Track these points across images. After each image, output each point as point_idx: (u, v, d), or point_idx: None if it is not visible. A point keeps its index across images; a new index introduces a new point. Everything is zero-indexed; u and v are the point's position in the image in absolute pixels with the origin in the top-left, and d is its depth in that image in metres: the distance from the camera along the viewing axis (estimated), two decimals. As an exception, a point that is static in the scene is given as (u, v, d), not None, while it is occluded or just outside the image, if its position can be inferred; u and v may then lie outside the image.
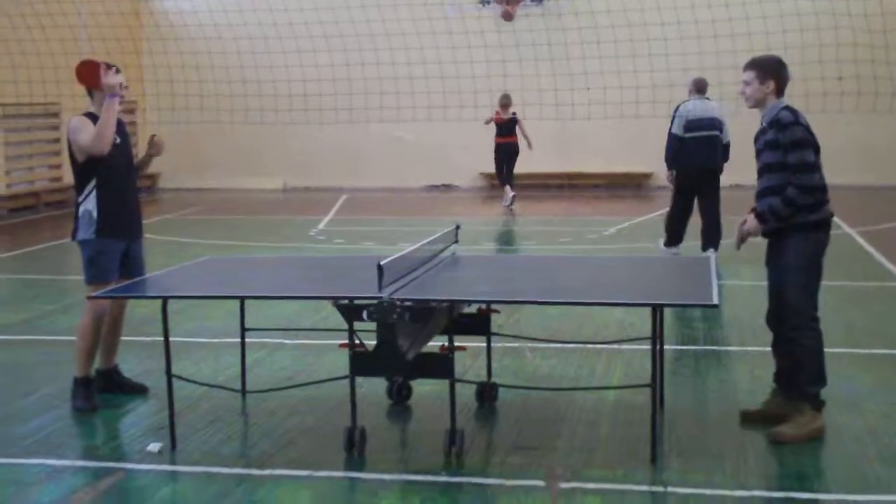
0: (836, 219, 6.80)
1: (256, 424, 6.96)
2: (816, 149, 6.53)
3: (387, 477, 5.91)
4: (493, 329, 7.38)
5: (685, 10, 22.70)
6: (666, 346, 7.69)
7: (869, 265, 13.14)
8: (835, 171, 6.63)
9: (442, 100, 23.64)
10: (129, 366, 7.99)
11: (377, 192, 25.08)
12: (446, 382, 6.19)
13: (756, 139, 6.77)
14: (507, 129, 20.50)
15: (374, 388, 7.19)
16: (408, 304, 5.95)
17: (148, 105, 25.62)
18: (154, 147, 7.68)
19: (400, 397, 7.27)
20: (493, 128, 20.71)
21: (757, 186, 6.69)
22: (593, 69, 23.22)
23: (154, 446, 6.42)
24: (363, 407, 6.47)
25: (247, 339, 7.67)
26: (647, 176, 24.59)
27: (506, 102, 20.52)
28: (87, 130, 7.28)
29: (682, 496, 5.62)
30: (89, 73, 7.38)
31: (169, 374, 6.44)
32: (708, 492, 5.66)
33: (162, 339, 6.45)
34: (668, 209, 14.13)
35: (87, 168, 7.38)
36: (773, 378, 6.86)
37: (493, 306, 7.21)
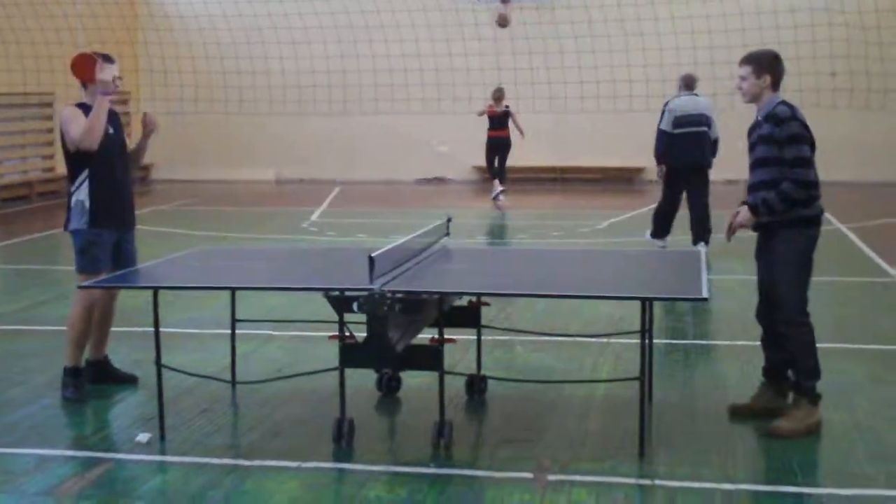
0: (827, 215, 6.83)
1: (246, 415, 6.98)
2: (812, 144, 6.55)
3: (375, 468, 5.93)
4: (484, 322, 7.39)
5: (679, 5, 22.76)
6: (655, 340, 7.71)
7: (859, 261, 13.18)
8: (826, 167, 6.64)
9: (436, 92, 23.69)
10: (120, 356, 8.00)
11: (370, 185, 25.07)
12: (436, 375, 6.21)
13: (750, 133, 6.78)
14: (499, 122, 20.47)
15: (363, 379, 7.20)
16: (398, 296, 5.97)
17: (142, 95, 25.62)
18: (147, 125, 7.65)
19: (389, 389, 7.29)
20: (485, 121, 20.69)
21: (749, 180, 6.70)
22: (587, 63, 23.29)
23: (143, 436, 6.43)
24: (352, 398, 6.48)
25: (238, 331, 7.68)
26: (640, 170, 24.61)
27: (499, 95, 20.49)
28: (78, 123, 7.27)
29: (670, 489, 5.64)
30: (84, 67, 7.36)
31: (159, 365, 6.45)
32: (695, 485, 5.68)
33: (152, 329, 6.46)
34: (657, 203, 14.19)
35: (80, 158, 7.37)
36: (762, 372, 6.89)
37: (484, 299, 7.22)
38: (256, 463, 6.02)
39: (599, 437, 6.47)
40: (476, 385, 7.24)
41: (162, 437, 6.42)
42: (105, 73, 7.30)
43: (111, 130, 7.41)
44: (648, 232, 14.02)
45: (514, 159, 21.26)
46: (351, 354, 6.25)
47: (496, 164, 20.66)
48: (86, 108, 7.36)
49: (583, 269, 7.52)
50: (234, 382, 7.46)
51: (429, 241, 7.48)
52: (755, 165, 6.65)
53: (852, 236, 15.10)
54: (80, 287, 7.14)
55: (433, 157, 25.85)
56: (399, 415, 7.10)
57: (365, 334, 6.15)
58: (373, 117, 24.97)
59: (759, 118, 6.67)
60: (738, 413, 6.82)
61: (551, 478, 5.77)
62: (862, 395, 7.31)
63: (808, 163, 6.46)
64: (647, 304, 6.19)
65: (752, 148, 6.72)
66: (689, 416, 6.93)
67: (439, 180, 26.02)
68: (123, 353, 8.19)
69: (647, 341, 6.26)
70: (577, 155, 25.47)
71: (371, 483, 5.73)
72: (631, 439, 6.18)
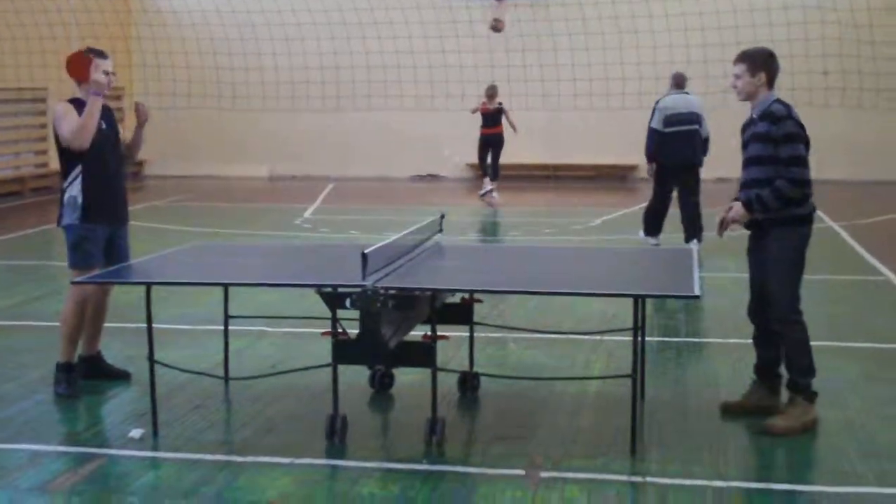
0: (819, 213, 6.85)
1: (239, 411, 6.99)
2: (807, 143, 6.56)
3: (367, 465, 5.94)
4: (476, 319, 7.40)
5: (673, 2, 22.79)
6: (648, 338, 7.70)
7: (852, 259, 13.21)
8: (818, 165, 6.66)
9: (429, 89, 23.69)
10: (113, 352, 8.00)
11: (363, 181, 25.07)
12: (428, 371, 6.22)
13: (743, 130, 6.79)
14: (492, 119, 20.50)
15: (356, 376, 7.21)
16: (391, 292, 5.98)
17: (135, 91, 25.58)
18: (140, 114, 7.63)
19: (382, 386, 7.30)
20: (479, 118, 20.71)
21: (742, 177, 6.71)
22: (580, 60, 23.31)
23: (136, 432, 6.43)
24: (345, 395, 6.49)
25: (231, 327, 7.69)
26: (633, 167, 24.63)
27: (492, 93, 20.51)
28: (70, 122, 7.26)
29: (661, 486, 5.65)
30: (79, 67, 7.34)
31: (151, 361, 6.45)
32: (687, 482, 5.70)
33: (145, 325, 6.46)
34: (648, 202, 14.22)
35: (73, 154, 7.36)
36: (754, 370, 6.91)
37: (477, 296, 7.23)
38: (249, 459, 6.03)
39: (591, 435, 6.48)
40: (469, 382, 7.25)
41: (155, 433, 6.42)
42: (99, 73, 7.29)
43: (104, 126, 7.40)
44: (641, 231, 14.06)
45: (508, 156, 21.28)
46: (344, 351, 6.25)
47: (489, 161, 20.69)
48: (79, 104, 7.35)
49: (576, 266, 7.53)
50: (226, 378, 7.46)
51: (422, 237, 7.49)
52: (749, 163, 6.66)
53: (844, 234, 15.13)
54: (73, 283, 7.14)
55: (427, 154, 25.84)
56: (392, 411, 7.11)
57: (358, 331, 6.16)
58: (366, 114, 24.97)
59: (754, 116, 6.67)
60: (730, 411, 6.83)
61: (544, 475, 5.78)
62: (854, 393, 7.33)
63: (803, 161, 6.48)
64: (639, 301, 6.20)
65: (745, 145, 6.73)
66: (681, 413, 6.94)
67: (433, 177, 26.02)
68: (116, 348, 8.19)
69: (639, 339, 6.28)
70: (570, 152, 25.49)
71: (364, 479, 5.74)
72: (623, 436, 6.19)
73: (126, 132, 7.86)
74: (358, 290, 5.95)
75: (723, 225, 6.75)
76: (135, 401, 7.17)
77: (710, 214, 7.01)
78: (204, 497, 5.51)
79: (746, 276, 6.87)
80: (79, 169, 7.36)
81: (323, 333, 6.38)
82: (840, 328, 9.27)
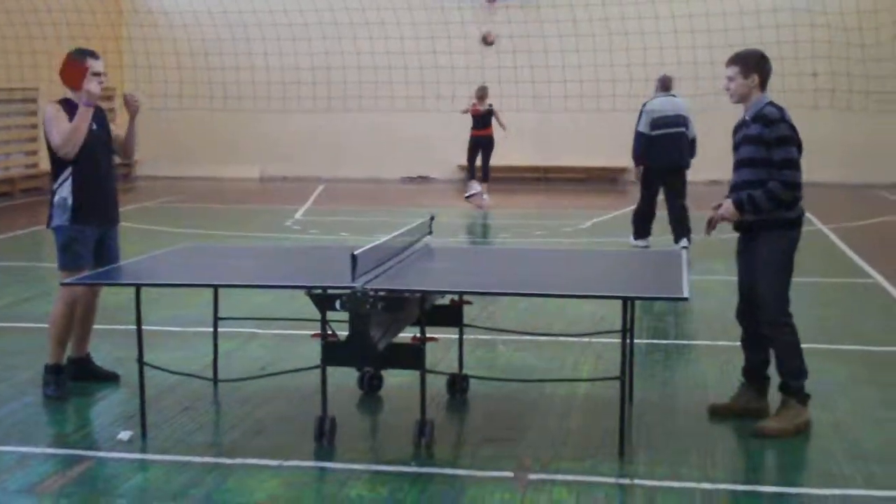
0: (809, 215, 6.87)
1: (228, 413, 6.99)
2: (799, 146, 6.58)
3: (356, 467, 5.94)
4: (466, 321, 7.41)
5: (662, 5, 22.86)
6: (637, 340, 7.73)
7: (841, 262, 13.25)
8: (808, 168, 6.67)
9: (420, 90, 23.71)
10: (102, 354, 7.99)
11: (354, 183, 25.07)
12: (417, 373, 6.23)
13: (735, 132, 6.81)
14: (483, 121, 20.50)
15: (345, 378, 7.22)
16: (381, 294, 5.99)
17: (126, 91, 25.57)
18: (131, 105, 7.62)
19: (371, 388, 7.31)
20: (469, 119, 20.72)
21: (733, 179, 6.72)
22: (571, 62, 23.35)
23: (125, 434, 6.42)
24: (334, 397, 6.50)
25: (220, 329, 7.69)
26: (623, 170, 24.63)
27: (482, 94, 20.52)
28: (60, 128, 7.24)
29: (650, 488, 5.67)
30: (73, 75, 7.30)
31: (141, 363, 6.45)
32: (675, 484, 5.71)
33: (135, 327, 6.45)
34: (636, 205, 14.26)
35: (63, 156, 7.36)
36: (742, 372, 6.93)
37: (466, 298, 7.24)
38: (238, 461, 6.03)
39: (580, 437, 6.50)
40: (458, 384, 7.26)
41: (143, 435, 6.42)
42: (93, 84, 7.27)
43: (94, 126, 7.39)
44: (632, 236, 14.09)
45: (498, 158, 21.29)
46: (333, 353, 6.26)
47: (480, 163, 20.70)
48: (69, 105, 7.34)
49: (565, 268, 7.54)
50: (216, 380, 7.46)
51: (412, 239, 7.50)
52: (740, 165, 6.66)
53: (833, 237, 15.18)
54: (63, 284, 7.13)
55: (417, 156, 25.83)
56: (381, 413, 7.12)
57: (347, 333, 6.16)
58: (357, 115, 24.97)
59: (747, 118, 6.67)
60: (718, 413, 6.85)
61: (532, 477, 5.79)
62: (843, 395, 7.36)
63: (796, 165, 6.49)
64: (628, 303, 6.22)
65: (736, 147, 6.74)
66: (670, 415, 6.96)
67: (423, 179, 26.03)
68: (105, 350, 8.18)
69: (628, 341, 6.29)
70: (560, 154, 25.51)
71: (352, 482, 5.74)
72: (611, 438, 6.21)
73: (118, 130, 7.85)
74: (347, 291, 5.96)
75: (711, 224, 6.77)
76: (124, 403, 7.17)
77: (700, 218, 7.02)
78: (193, 499, 5.51)
79: (735, 278, 6.89)
80: (69, 170, 7.35)
81: (312, 335, 6.39)
82: (829, 331, 9.30)
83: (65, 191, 7.36)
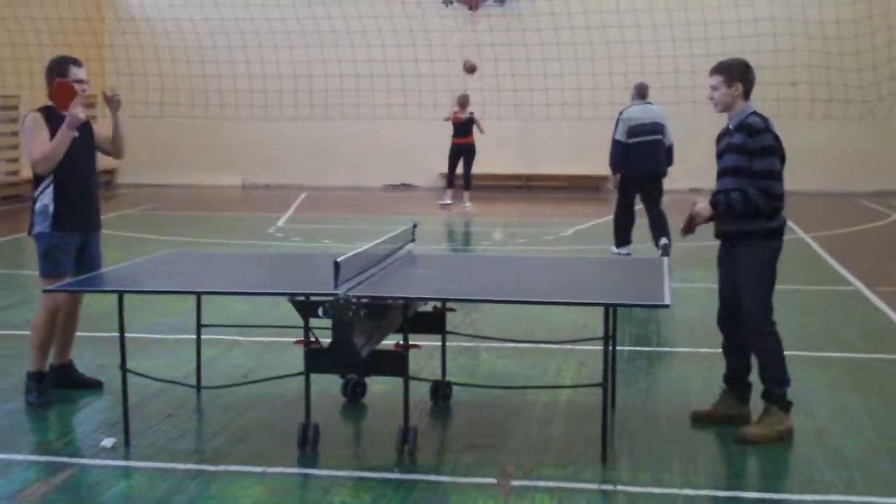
0: (790, 224, 6.91)
1: (211, 420, 6.98)
2: (782, 157, 6.61)
3: (339, 473, 5.95)
4: (449, 328, 7.42)
5: (644, 14, 22.95)
6: (619, 347, 7.77)
7: (823, 270, 13.31)
8: (790, 177, 6.72)
9: (402, 98, 23.74)
10: (85, 361, 7.98)
11: (337, 191, 25.06)
12: (400, 380, 6.24)
13: (718, 140, 6.83)
14: (464, 129, 20.55)
15: (328, 384, 7.22)
16: (363, 301, 6.00)
17: (105, 90, 25.50)
18: (111, 101, 7.59)
19: (354, 394, 7.31)
20: (451, 128, 20.77)
21: (716, 187, 6.74)
22: (553, 70, 23.42)
23: (108, 441, 6.42)
24: (317, 403, 6.49)
25: (204, 336, 7.68)
26: (606, 178, 24.58)
27: (463, 102, 20.57)
28: (39, 143, 7.23)
29: (632, 494, 5.69)
30: (63, 97, 7.26)
31: (123, 370, 6.44)
32: (657, 490, 5.73)
33: (117, 334, 6.45)
34: (614, 213, 14.29)
35: (45, 162, 7.35)
36: (723, 379, 6.96)
37: (449, 305, 7.26)
38: (221, 468, 6.02)
39: (563, 443, 6.52)
40: (441, 391, 7.27)
41: (127, 442, 6.41)
42: (78, 109, 7.25)
43: (76, 133, 7.38)
44: (613, 246, 14.12)
45: (480, 166, 21.35)
46: (316, 360, 6.27)
47: (461, 171, 20.74)
48: (50, 114, 7.32)
49: (547, 275, 7.56)
50: (199, 387, 7.45)
51: (394, 246, 7.51)
52: (723, 174, 6.68)
53: (815, 245, 15.25)
54: (45, 291, 7.12)
55: (400, 163, 25.83)
56: (364, 420, 7.13)
57: (330, 340, 6.17)
58: (339, 123, 24.98)
59: (731, 127, 6.69)
60: (700, 419, 6.88)
61: (515, 483, 5.81)
62: (823, 402, 7.39)
63: (777, 175, 6.51)
64: (610, 310, 6.25)
65: (720, 156, 6.76)
66: (652, 422, 6.98)
67: (406, 186, 26.04)
68: (88, 357, 8.17)
69: (610, 348, 6.32)
70: (542, 162, 25.54)
71: (336, 488, 5.75)
72: (594, 445, 6.23)
73: (105, 131, 7.83)
74: (330, 298, 5.97)
75: (688, 222, 6.78)
76: (107, 410, 7.15)
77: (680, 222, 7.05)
78: (176, 506, 5.52)
79: (716, 285, 6.92)
80: (50, 177, 7.33)
81: (295, 342, 6.39)
82: (811, 338, 9.35)
83: (46, 198, 7.35)
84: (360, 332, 6.13)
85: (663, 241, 13.30)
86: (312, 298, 6.14)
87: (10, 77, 21.48)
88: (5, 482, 5.84)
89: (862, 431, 6.80)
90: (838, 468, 6.09)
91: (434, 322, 7.21)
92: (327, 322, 6.08)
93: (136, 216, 19.86)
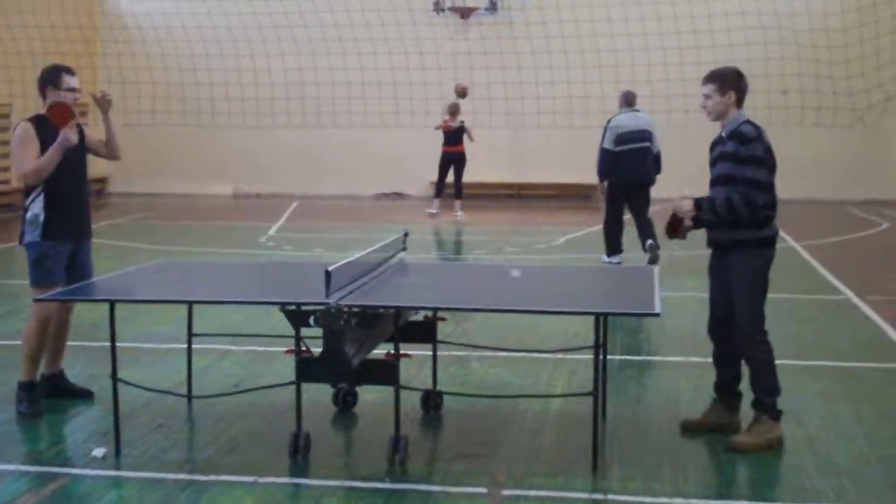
0: (781, 233, 6.92)
1: (202, 430, 6.98)
2: (773, 167, 6.62)
3: (330, 483, 5.95)
4: (440, 337, 7.43)
5: (635, 23, 23.01)
6: (609, 356, 7.78)
7: (813, 278, 13.34)
8: (780, 185, 6.73)
9: (394, 106, 23.77)
10: (76, 371, 7.98)
11: (328, 199, 25.06)
12: (391, 389, 6.24)
13: (712, 148, 6.84)
14: (455, 137, 20.57)
15: (320, 394, 7.22)
16: (355, 310, 6.00)
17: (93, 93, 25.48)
18: (101, 104, 7.58)
19: (345, 404, 7.32)
20: (442, 137, 20.79)
21: (709, 195, 6.76)
22: (544, 79, 23.47)
23: (99, 451, 6.41)
24: (309, 413, 6.49)
25: (195, 346, 7.68)
26: (596, 186, 24.68)
27: (454, 110, 20.58)
28: (25, 156, 7.24)
29: (622, 503, 5.70)
30: (60, 118, 7.25)
31: (115, 379, 6.44)
32: (647, 499, 5.74)
33: (109, 343, 6.44)
34: (603, 222, 14.30)
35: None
36: (713, 388, 6.97)
37: (440, 314, 7.26)
38: (212, 478, 6.02)
39: (553, 452, 6.52)
40: (432, 400, 7.27)
41: (118, 452, 6.41)
42: (72, 133, 7.25)
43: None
44: (604, 255, 14.13)
45: (471, 175, 21.36)
46: (307, 369, 6.27)
47: (452, 179, 20.75)
48: (41, 124, 7.31)
49: (538, 284, 7.57)
50: (190, 397, 7.45)
51: (385, 255, 7.52)
52: (716, 182, 6.69)
53: (805, 254, 15.28)
54: (36, 300, 7.12)
55: (392, 172, 25.83)
56: (355, 429, 7.13)
57: (321, 349, 6.18)
58: (331, 131, 25.00)
59: (724, 135, 6.70)
60: (690, 428, 6.89)
61: (506, 492, 5.81)
62: (814, 410, 7.40)
63: (761, 185, 6.51)
64: (600, 318, 6.26)
65: (713, 163, 6.77)
66: (642, 431, 6.99)
67: (397, 195, 26.04)
68: (79, 367, 8.17)
69: (600, 357, 6.32)
70: (533, 171, 25.56)
71: (327, 498, 5.75)
72: (584, 454, 6.24)
73: (99, 134, 7.83)
74: (322, 307, 5.97)
75: (672, 224, 6.78)
76: (98, 419, 7.15)
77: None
78: (167, 516, 5.52)
79: (707, 295, 6.93)
80: (41, 186, 7.33)
81: (286, 351, 6.40)
82: (802, 347, 9.36)
83: (37, 207, 7.35)
84: (352, 342, 6.14)
85: (649, 242, 13.32)
86: (304, 307, 6.14)
87: (2, 85, 21.46)
88: (-4, 492, 5.84)
89: (853, 440, 6.81)
90: (829, 476, 6.10)
91: (425, 331, 7.22)
92: (318, 331, 6.08)
93: (128, 225, 19.84)
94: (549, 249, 16.15)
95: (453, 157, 20.68)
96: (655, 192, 14.06)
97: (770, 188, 6.59)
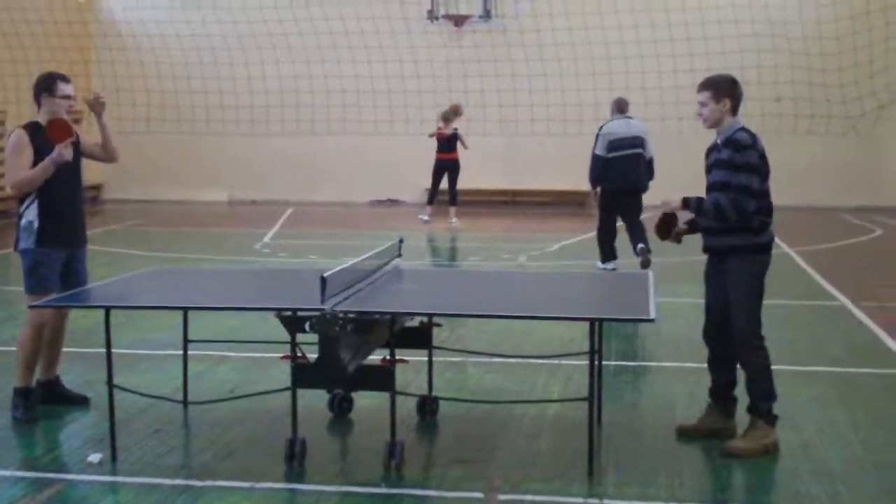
0: (776, 239, 6.94)
1: (198, 436, 6.98)
2: (766, 174, 6.63)
3: (326, 488, 5.95)
4: (436, 343, 7.44)
5: (628, 31, 23.03)
6: (605, 362, 7.79)
7: (808, 285, 13.37)
8: (773, 192, 6.75)
9: (388, 114, 23.78)
10: (71, 377, 7.97)
11: (323, 206, 25.06)
12: (387, 395, 6.25)
13: (707, 154, 6.86)
14: (448, 144, 20.58)
15: (315, 400, 7.23)
16: (350, 316, 6.01)
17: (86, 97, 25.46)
18: (94, 106, 7.58)
19: (341, 410, 7.32)
20: (436, 144, 20.81)
21: (699, 196, 6.78)
22: (538, 86, 23.49)
23: (95, 457, 6.41)
24: (304, 419, 6.50)
25: (191, 352, 7.68)
26: (590, 193, 24.70)
27: (448, 117, 20.60)
28: (20, 163, 7.25)
29: (618, 508, 5.73)
30: (59, 134, 7.25)
31: (110, 385, 6.44)
32: (643, 504, 5.77)
33: (104, 349, 6.44)
34: (596, 229, 14.30)
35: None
36: (709, 393, 6.98)
37: (436, 320, 7.27)
38: (208, 484, 6.02)
39: (550, 457, 6.53)
40: (427, 406, 7.28)
41: (113, 458, 6.40)
42: (67, 149, 7.25)
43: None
44: (598, 261, 14.13)
45: (466, 181, 21.37)
46: (303, 375, 6.27)
47: (446, 186, 20.76)
48: (35, 131, 7.31)
49: (533, 290, 7.59)
50: (186, 403, 7.45)
51: (381, 262, 7.53)
52: (711, 189, 6.70)
53: (799, 260, 15.31)
54: (31, 307, 7.12)
55: (386, 179, 25.84)
56: (351, 435, 7.13)
57: (317, 355, 6.18)
58: (326, 138, 25.00)
59: (719, 142, 6.72)
60: (686, 434, 6.90)
61: (502, 497, 5.82)
62: (809, 415, 7.42)
63: (752, 192, 6.52)
64: (595, 324, 6.27)
65: (708, 170, 6.79)
66: (638, 436, 7.00)
67: (392, 202, 26.05)
68: (75, 373, 8.16)
69: (596, 362, 6.34)
70: (528, 178, 25.56)
71: (323, 503, 5.75)
72: (580, 459, 6.25)
73: (95, 138, 7.83)
74: (317, 313, 5.98)
75: (662, 223, 6.80)
76: (93, 425, 7.14)
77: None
78: (163, 521, 5.52)
79: (702, 300, 6.95)
80: (35, 193, 7.33)
81: (282, 357, 6.41)
82: (798, 353, 9.38)
83: (31, 214, 7.35)
84: (347, 347, 6.15)
85: (640, 245, 13.32)
86: (299, 313, 6.15)
87: (-4, 92, 21.45)
88: (-8, 498, 5.84)
89: (847, 445, 6.83)
90: (823, 482, 6.12)
91: (421, 337, 7.22)
92: (314, 337, 6.09)
93: (123, 231, 19.83)
94: (543, 256, 16.15)
95: (447, 165, 20.69)
96: (648, 198, 14.05)
97: (764, 195, 6.61)
